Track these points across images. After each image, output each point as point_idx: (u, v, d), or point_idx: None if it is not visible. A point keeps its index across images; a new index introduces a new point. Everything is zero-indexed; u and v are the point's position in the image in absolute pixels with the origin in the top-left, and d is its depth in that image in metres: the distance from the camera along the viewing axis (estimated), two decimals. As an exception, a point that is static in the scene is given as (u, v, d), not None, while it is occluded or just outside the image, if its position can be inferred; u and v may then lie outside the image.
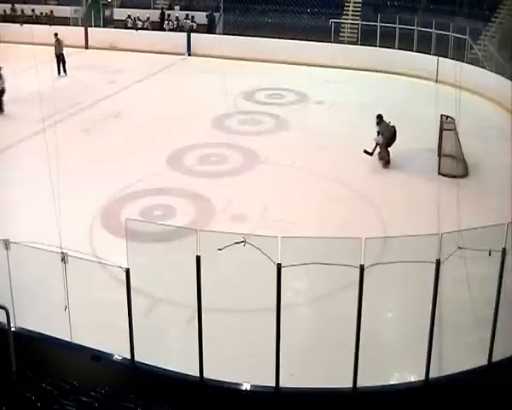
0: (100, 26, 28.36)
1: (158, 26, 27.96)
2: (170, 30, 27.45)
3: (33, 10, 29.53)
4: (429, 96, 15.77)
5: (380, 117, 14.56)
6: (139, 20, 27.95)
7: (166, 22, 27.69)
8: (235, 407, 6.98)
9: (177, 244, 8.81)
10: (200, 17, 27.69)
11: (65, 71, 22.61)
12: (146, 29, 27.75)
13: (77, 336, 7.33)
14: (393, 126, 14.36)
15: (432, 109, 14.53)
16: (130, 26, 27.91)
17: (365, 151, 14.46)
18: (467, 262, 6.70)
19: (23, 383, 5.92)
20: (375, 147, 14.44)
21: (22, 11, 29.67)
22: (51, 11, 29.38)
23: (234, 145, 15.53)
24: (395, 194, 12.96)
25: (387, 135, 14.29)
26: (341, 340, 7.65)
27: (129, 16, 28.17)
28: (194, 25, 27.20)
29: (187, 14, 27.79)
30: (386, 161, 14.40)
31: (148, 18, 28.03)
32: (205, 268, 6.56)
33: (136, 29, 27.71)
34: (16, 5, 30.10)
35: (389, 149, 14.43)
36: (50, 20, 28.68)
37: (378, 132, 14.42)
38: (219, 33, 27.22)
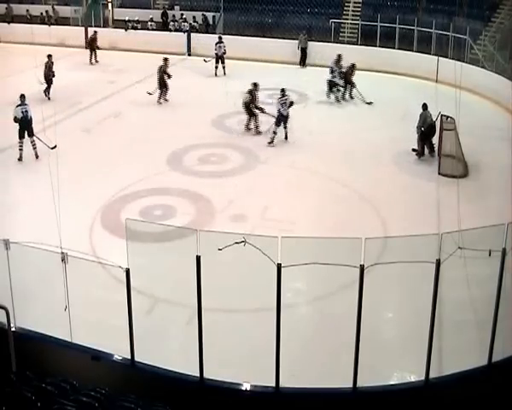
0: (100, 26, 28.32)
1: (160, 26, 27.84)
2: (176, 30, 27.33)
3: (27, 10, 29.46)
4: (429, 96, 15.76)
5: (423, 106, 14.73)
6: (138, 22, 27.85)
7: (172, 23, 27.60)
8: (235, 407, 6.97)
9: (177, 244, 8.81)
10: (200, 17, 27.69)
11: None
12: (136, 28, 27.60)
13: (77, 336, 7.34)
14: (432, 120, 14.47)
15: (432, 109, 14.56)
16: (131, 25, 27.85)
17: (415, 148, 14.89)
18: (467, 262, 6.70)
19: (23, 383, 5.91)
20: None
21: (27, 11, 29.58)
22: (50, 9, 29.33)
23: (234, 145, 15.53)
24: (395, 194, 12.95)
25: (419, 125, 14.55)
26: (341, 340, 7.66)
27: (128, 20, 28.09)
28: (195, 24, 27.12)
29: (181, 14, 27.71)
30: (419, 151, 14.76)
31: (151, 18, 27.99)
32: (205, 268, 6.56)
33: (126, 29, 27.50)
34: (23, 5, 30.03)
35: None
36: (51, 19, 28.74)
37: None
38: (219, 33, 27.20)
